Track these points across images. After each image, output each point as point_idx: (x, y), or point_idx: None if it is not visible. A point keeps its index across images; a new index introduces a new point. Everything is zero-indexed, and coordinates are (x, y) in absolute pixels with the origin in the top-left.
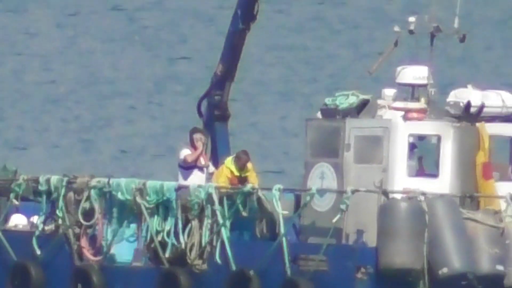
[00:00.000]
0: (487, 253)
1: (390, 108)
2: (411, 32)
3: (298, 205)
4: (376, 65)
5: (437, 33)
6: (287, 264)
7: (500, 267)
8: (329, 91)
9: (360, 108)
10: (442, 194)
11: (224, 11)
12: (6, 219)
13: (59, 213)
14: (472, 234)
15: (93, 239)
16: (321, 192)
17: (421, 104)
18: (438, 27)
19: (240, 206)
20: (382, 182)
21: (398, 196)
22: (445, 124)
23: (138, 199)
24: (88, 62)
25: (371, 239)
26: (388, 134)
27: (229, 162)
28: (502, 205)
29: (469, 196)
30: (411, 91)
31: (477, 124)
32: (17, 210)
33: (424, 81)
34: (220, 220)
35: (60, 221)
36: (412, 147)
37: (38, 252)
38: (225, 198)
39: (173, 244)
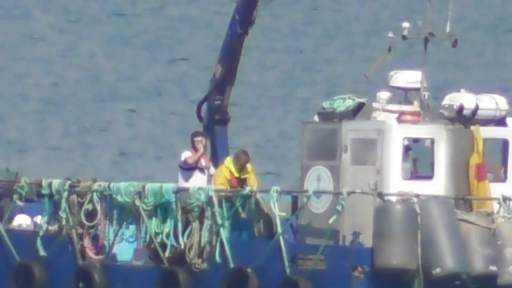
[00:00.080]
0: (480, 254)
1: (385, 110)
2: (404, 37)
3: (295, 206)
4: (371, 69)
5: (430, 38)
6: (286, 264)
7: (493, 267)
8: (326, 95)
9: (356, 111)
10: (436, 196)
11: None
12: (10, 219)
13: (62, 214)
14: (466, 235)
15: (95, 239)
16: (318, 194)
17: (415, 107)
18: (432, 33)
19: (240, 209)
20: (377, 184)
21: (393, 198)
22: (439, 127)
23: (137, 202)
24: (89, 65)
25: (367, 239)
26: (382, 136)
27: (228, 162)
28: (495, 206)
29: (462, 198)
30: (404, 95)
31: (471, 127)
32: (21, 210)
33: (417, 85)
34: (219, 222)
35: (63, 222)
36: (406, 149)
37: (42, 252)
38: (224, 201)
39: (172, 245)
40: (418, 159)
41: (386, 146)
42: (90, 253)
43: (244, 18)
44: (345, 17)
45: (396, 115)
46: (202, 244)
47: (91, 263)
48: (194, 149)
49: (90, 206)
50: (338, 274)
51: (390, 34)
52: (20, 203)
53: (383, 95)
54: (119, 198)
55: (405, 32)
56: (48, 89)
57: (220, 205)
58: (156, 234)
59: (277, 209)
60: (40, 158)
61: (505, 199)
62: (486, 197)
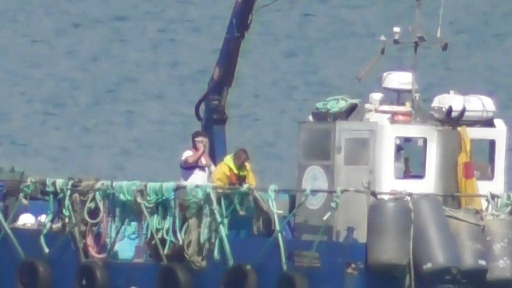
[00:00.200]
0: (470, 249)
1: (377, 111)
2: (396, 41)
3: (292, 204)
4: (364, 72)
5: (420, 42)
6: (283, 260)
7: (482, 262)
8: (320, 96)
9: (349, 112)
10: (426, 194)
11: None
12: (15, 218)
13: (65, 212)
14: (455, 231)
15: (97, 238)
16: (314, 192)
17: (407, 107)
18: (422, 37)
19: (238, 206)
20: (370, 182)
21: (386, 196)
22: (430, 127)
23: (139, 199)
24: (90, 67)
25: (360, 236)
26: (374, 136)
27: (228, 160)
28: (483, 203)
29: (451, 195)
30: (396, 96)
31: (459, 128)
32: (26, 209)
33: (409, 87)
34: (218, 219)
35: (66, 220)
36: (398, 149)
37: (46, 249)
38: (222, 198)
39: (171, 241)
40: (409, 158)
41: (378, 146)
42: (92, 251)
43: (240, 22)
44: (338, 21)
45: (389, 115)
46: (201, 241)
47: (93, 261)
48: (195, 148)
49: (92, 205)
50: (332, 271)
51: (383, 37)
52: (25, 201)
53: (376, 96)
54: (121, 197)
55: (397, 36)
56: (50, 91)
57: (218, 203)
58: (157, 230)
59: (275, 207)
60: (43, 158)
61: (493, 196)
62: (474, 194)
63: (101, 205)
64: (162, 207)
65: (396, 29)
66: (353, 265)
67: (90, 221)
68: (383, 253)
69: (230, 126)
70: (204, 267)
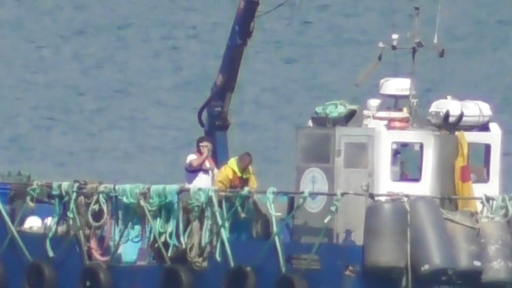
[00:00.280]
0: (465, 251)
1: (375, 117)
2: (394, 48)
3: (291, 207)
4: (362, 77)
5: (418, 48)
6: (282, 262)
7: (477, 263)
8: (319, 100)
9: (349, 118)
10: (423, 196)
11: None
12: (21, 221)
13: (70, 214)
14: (451, 233)
15: (101, 241)
16: (313, 195)
17: (404, 113)
18: (420, 43)
19: (239, 208)
20: (368, 185)
21: (383, 198)
22: (426, 132)
23: (142, 203)
24: (94, 73)
25: (359, 238)
26: (372, 141)
27: (232, 163)
28: (478, 205)
29: (448, 198)
30: (394, 102)
31: (457, 133)
32: (32, 212)
33: (406, 93)
34: (219, 221)
35: (71, 223)
36: (395, 153)
37: (51, 253)
38: (224, 201)
39: (174, 244)
40: (405, 162)
41: (376, 151)
42: (96, 254)
43: (243, 29)
44: (336, 28)
45: (386, 122)
46: (203, 244)
47: (97, 264)
48: (199, 152)
49: (96, 207)
50: (331, 273)
51: (381, 44)
52: (31, 204)
53: (374, 102)
54: (124, 200)
55: (395, 43)
56: (55, 97)
57: (220, 205)
58: (160, 233)
59: (274, 210)
60: (49, 163)
61: (488, 198)
62: (470, 197)
63: (104, 207)
64: (165, 210)
65: (395, 35)
66: (351, 268)
67: (94, 223)
68: (380, 255)
69: (231, 130)
70: (206, 269)
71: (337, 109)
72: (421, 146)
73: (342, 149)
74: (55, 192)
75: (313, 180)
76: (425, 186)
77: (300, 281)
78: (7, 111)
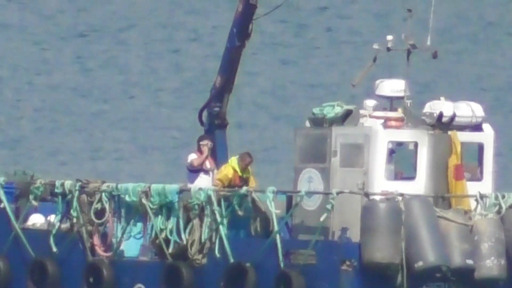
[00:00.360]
0: (459, 248)
1: (371, 117)
2: (388, 49)
3: (289, 205)
4: (358, 79)
5: (412, 50)
6: (281, 258)
7: (470, 261)
8: (316, 101)
9: (345, 117)
10: (417, 195)
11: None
12: (25, 219)
13: (73, 212)
14: (445, 231)
15: (104, 237)
16: (310, 194)
17: (399, 113)
18: (414, 45)
19: (236, 207)
20: (364, 184)
21: (378, 197)
22: (421, 131)
23: (144, 201)
24: (97, 73)
25: (354, 235)
26: (368, 140)
27: (233, 161)
28: (472, 203)
29: (441, 196)
30: (389, 103)
31: (450, 132)
32: (36, 210)
33: (401, 94)
34: (218, 219)
35: (74, 220)
36: (390, 152)
37: (55, 249)
38: (222, 200)
39: (175, 241)
40: (399, 160)
41: (372, 150)
42: (99, 250)
43: (241, 31)
44: (333, 30)
45: (382, 121)
46: (203, 240)
47: (100, 259)
48: (200, 152)
49: (99, 206)
50: (328, 268)
51: (376, 46)
52: (35, 203)
53: (370, 102)
54: (126, 198)
55: (390, 44)
56: (58, 98)
57: (219, 204)
58: (161, 230)
59: (274, 208)
60: (52, 163)
61: (481, 196)
62: (464, 195)
63: (107, 206)
64: (166, 208)
65: (389, 37)
66: (347, 262)
67: (96, 221)
68: (376, 251)
69: (230, 130)
70: (206, 265)
71: (334, 110)
72: (416, 145)
73: (338, 149)
74: (58, 190)
75: (309, 180)
76: (419, 185)
77: (298, 277)
78: (12, 113)
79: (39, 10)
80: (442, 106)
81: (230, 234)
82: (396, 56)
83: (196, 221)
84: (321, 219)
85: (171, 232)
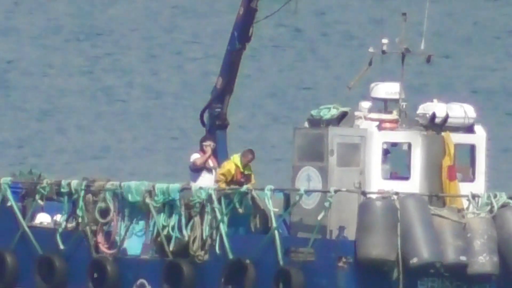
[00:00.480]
0: (452, 245)
1: (366, 119)
2: (383, 52)
3: (287, 203)
4: (353, 81)
5: (406, 54)
6: (280, 255)
7: (463, 258)
8: (313, 102)
9: (341, 119)
10: (412, 194)
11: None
12: (32, 217)
13: (79, 212)
14: (439, 228)
15: (108, 235)
16: (308, 192)
17: (394, 115)
18: (408, 49)
19: (237, 204)
20: (360, 183)
21: (374, 196)
22: (414, 133)
23: (147, 199)
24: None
25: (352, 233)
26: (364, 141)
27: (236, 158)
28: (465, 202)
29: (436, 195)
30: (384, 105)
31: (443, 133)
32: (42, 209)
33: (396, 96)
34: (219, 216)
35: (79, 219)
36: (386, 152)
37: (61, 246)
38: (223, 198)
39: (177, 237)
40: (393, 160)
41: (368, 151)
42: (103, 248)
43: (242, 34)
44: (331, 33)
45: (377, 123)
46: (204, 237)
47: (104, 256)
48: (202, 151)
49: (103, 204)
50: (325, 265)
51: (371, 49)
52: (41, 202)
53: (365, 104)
54: (130, 196)
55: (385, 48)
56: (63, 100)
57: (219, 202)
58: (163, 228)
59: (272, 205)
60: (58, 162)
61: (473, 196)
62: (457, 195)
63: (111, 204)
64: (168, 206)
65: (384, 40)
66: (344, 259)
67: (101, 220)
68: (372, 248)
69: (230, 130)
70: (206, 261)
71: (330, 111)
72: (410, 146)
73: (334, 148)
74: (64, 190)
75: (308, 178)
76: (414, 184)
77: (297, 273)
78: (19, 114)
79: (43, 13)
80: (435, 108)
81: (230, 231)
82: (392, 58)
83: (197, 219)
84: (319, 217)
85: (172, 229)
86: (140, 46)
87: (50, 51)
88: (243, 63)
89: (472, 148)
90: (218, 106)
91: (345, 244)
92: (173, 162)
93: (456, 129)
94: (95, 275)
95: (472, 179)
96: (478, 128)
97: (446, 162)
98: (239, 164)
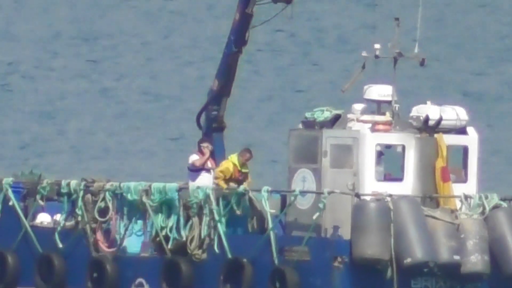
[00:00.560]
0: (445, 245)
1: (359, 121)
2: (376, 57)
3: (284, 204)
4: (347, 85)
5: (399, 58)
6: (275, 255)
7: (456, 257)
8: (309, 107)
9: (334, 121)
10: (405, 196)
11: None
12: (33, 217)
13: (78, 211)
14: (432, 229)
15: (107, 234)
16: (303, 193)
17: (387, 117)
18: (400, 53)
19: (234, 205)
20: (354, 184)
21: (368, 197)
22: (408, 135)
23: (144, 198)
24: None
25: (346, 233)
26: (357, 143)
27: (233, 158)
28: (458, 203)
29: (429, 197)
30: (377, 106)
31: (436, 135)
32: (42, 209)
33: (389, 98)
34: (217, 217)
35: (79, 218)
36: (379, 154)
37: (60, 245)
38: (221, 198)
39: (175, 238)
40: (387, 162)
41: (361, 152)
42: (102, 246)
43: (238, 38)
44: (326, 38)
45: (370, 124)
46: (202, 237)
47: (103, 255)
48: (201, 153)
49: (103, 204)
50: (320, 264)
51: (364, 53)
52: (41, 202)
53: (358, 106)
54: (128, 196)
55: (377, 52)
56: (64, 102)
57: (217, 202)
58: (162, 228)
59: (268, 207)
60: (58, 163)
61: (466, 197)
62: (450, 195)
63: (110, 204)
64: (166, 206)
65: (377, 45)
66: (339, 259)
67: (100, 219)
68: (366, 248)
69: (227, 132)
70: (204, 260)
71: (324, 114)
72: (403, 148)
73: (328, 150)
74: (63, 190)
75: (303, 179)
76: (407, 186)
77: (292, 272)
78: (21, 116)
79: (47, 18)
80: (428, 110)
81: (228, 231)
82: (384, 63)
83: (195, 219)
84: (314, 217)
85: (171, 229)
86: (139, 50)
87: (51, 55)
88: (240, 67)
89: (464, 149)
90: (214, 109)
91: (340, 244)
92: (172, 163)
93: (448, 130)
94: (95, 274)
95: (464, 180)
96: (470, 130)
97: (439, 163)
98: (236, 163)
